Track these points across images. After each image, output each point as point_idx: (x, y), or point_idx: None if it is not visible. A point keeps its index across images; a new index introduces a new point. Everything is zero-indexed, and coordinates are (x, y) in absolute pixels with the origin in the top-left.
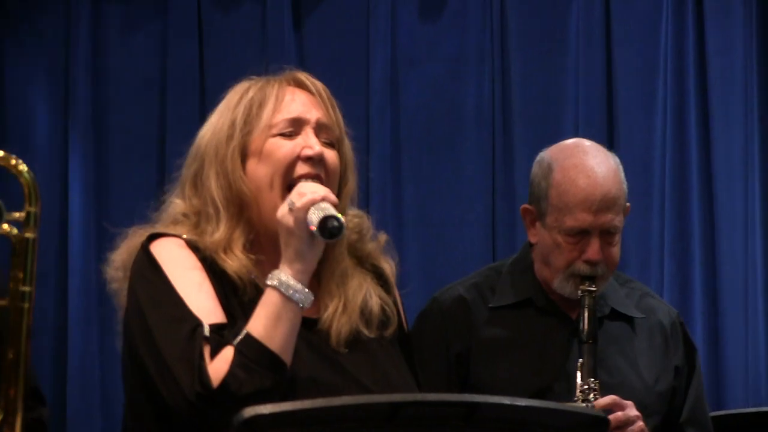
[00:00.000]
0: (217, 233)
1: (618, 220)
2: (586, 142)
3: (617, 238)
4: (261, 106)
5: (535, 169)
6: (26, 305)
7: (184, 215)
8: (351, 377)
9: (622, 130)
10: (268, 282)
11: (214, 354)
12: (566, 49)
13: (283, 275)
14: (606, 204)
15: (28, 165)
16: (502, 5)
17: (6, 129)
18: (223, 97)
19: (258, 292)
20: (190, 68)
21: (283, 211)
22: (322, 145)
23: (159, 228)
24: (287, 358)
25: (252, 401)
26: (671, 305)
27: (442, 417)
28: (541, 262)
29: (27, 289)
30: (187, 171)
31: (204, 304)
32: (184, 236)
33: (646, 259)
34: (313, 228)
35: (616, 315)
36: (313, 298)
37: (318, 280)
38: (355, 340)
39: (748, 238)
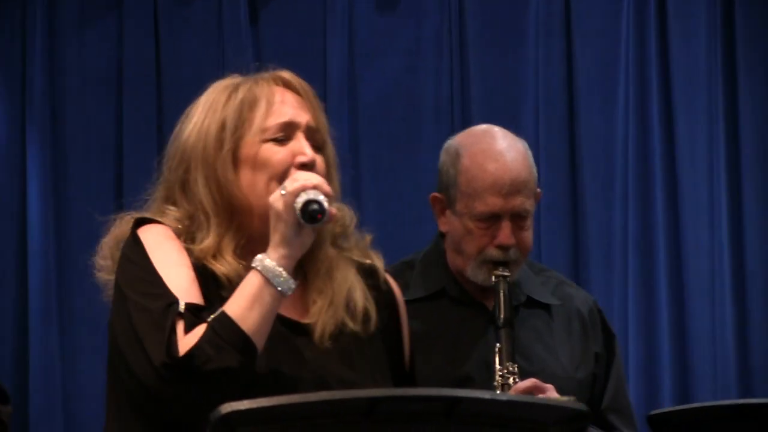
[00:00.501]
0: (207, 240)
1: (529, 204)
2: (495, 128)
3: (529, 222)
4: (252, 108)
5: (443, 156)
6: None
7: (178, 220)
8: (327, 379)
9: (583, 123)
10: (252, 264)
11: (188, 331)
12: (525, 41)
13: (268, 260)
14: (516, 187)
15: None
16: None
17: None
18: (196, 94)
19: None
20: (146, 62)
21: (275, 196)
22: (313, 150)
23: (151, 213)
24: (259, 341)
25: (215, 380)
26: (632, 299)
27: (422, 412)
28: (453, 250)
29: None
30: (173, 174)
31: (183, 285)
32: (175, 225)
33: (609, 252)
34: (297, 212)
35: (532, 303)
36: (295, 285)
37: (304, 277)
38: (339, 333)
39: (714, 229)
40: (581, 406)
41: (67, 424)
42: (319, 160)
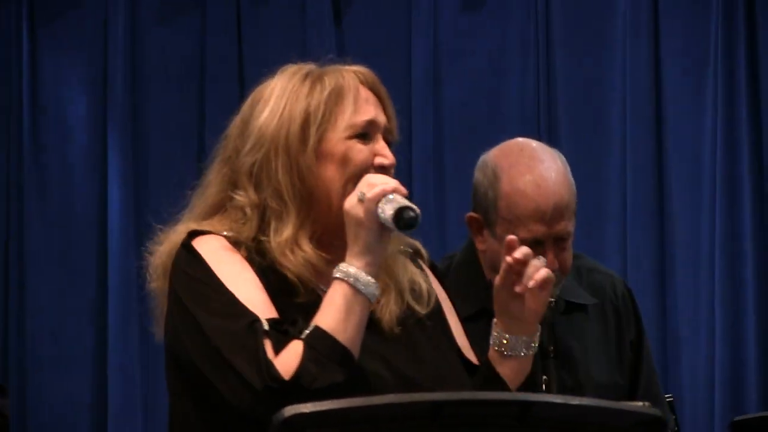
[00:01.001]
0: (285, 230)
1: (571, 225)
2: (532, 143)
3: (570, 243)
4: (338, 102)
5: (479, 175)
6: None
7: (238, 207)
8: (398, 371)
9: (670, 125)
10: (336, 275)
11: (275, 349)
12: (613, 42)
13: (352, 268)
14: (559, 212)
15: (68, 160)
16: None
17: (44, 123)
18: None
19: (315, 296)
20: (228, 61)
21: (351, 202)
22: None
23: (202, 224)
24: (356, 352)
25: (322, 396)
26: (719, 304)
27: (491, 416)
28: (491, 268)
29: None
30: (243, 159)
31: (256, 299)
32: (226, 233)
33: (696, 256)
34: (386, 218)
35: (570, 307)
36: (379, 291)
37: None
38: (406, 317)
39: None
40: (656, 412)
41: (146, 426)
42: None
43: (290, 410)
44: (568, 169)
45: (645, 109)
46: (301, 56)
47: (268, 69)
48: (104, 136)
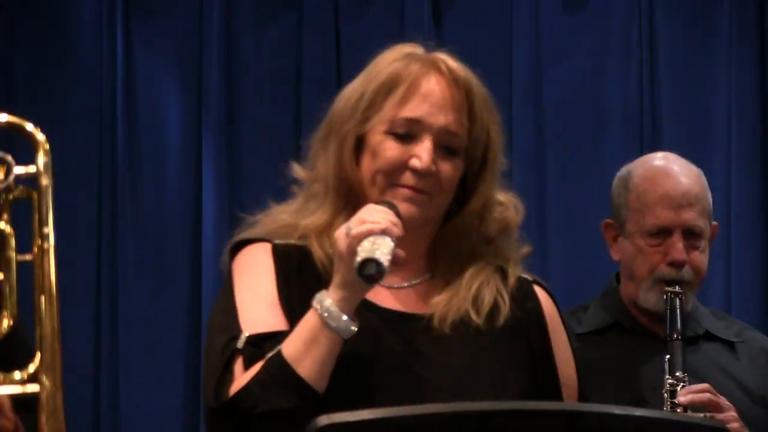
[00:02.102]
0: (320, 215)
1: (702, 222)
2: (671, 154)
3: (703, 245)
4: (388, 93)
5: (615, 182)
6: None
7: (301, 184)
8: (445, 375)
9: None
10: (312, 302)
11: (248, 366)
12: (718, 41)
13: (328, 300)
14: (687, 200)
15: (162, 163)
16: None
17: (139, 126)
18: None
19: None
20: (326, 62)
21: (339, 233)
22: (441, 155)
23: (253, 229)
24: (318, 382)
25: (265, 423)
26: None
27: (541, 428)
28: (627, 278)
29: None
30: (317, 135)
31: (256, 313)
32: (276, 241)
33: None
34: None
35: (712, 337)
36: (354, 328)
37: (435, 273)
38: (461, 323)
39: None
40: (720, 425)
41: None
42: (450, 168)
43: (324, 419)
44: (705, 180)
45: (751, 110)
46: None
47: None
48: (199, 138)
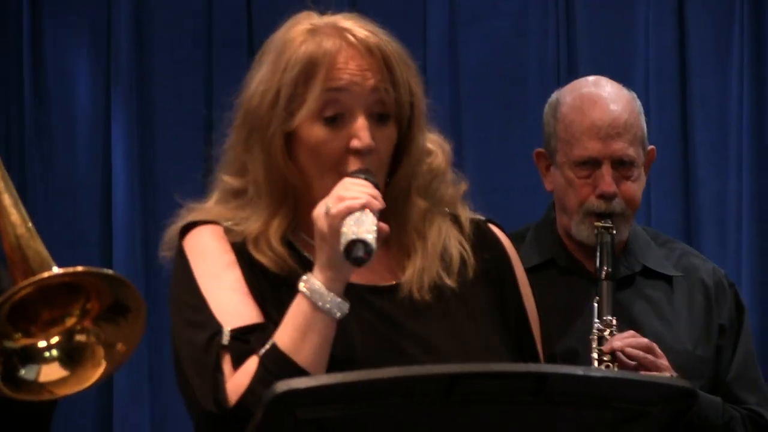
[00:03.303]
0: (256, 221)
1: (633, 151)
2: (603, 78)
3: (636, 173)
4: (308, 80)
5: (546, 110)
6: None
7: (233, 194)
8: (428, 347)
9: (695, 85)
10: (299, 287)
11: (237, 362)
12: (633, 4)
13: (317, 283)
14: (616, 129)
15: (71, 130)
16: None
17: (48, 93)
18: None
19: (301, 259)
20: (237, 25)
21: (318, 212)
22: (374, 126)
23: (198, 213)
24: (318, 370)
25: None
26: (746, 268)
27: (508, 391)
28: (560, 209)
29: None
30: (237, 134)
31: (231, 305)
32: (225, 223)
33: (723, 220)
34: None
35: (650, 273)
36: (347, 306)
37: (389, 239)
38: (437, 290)
39: None
40: (686, 384)
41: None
42: (385, 135)
43: (282, 386)
44: (639, 104)
45: (669, 68)
46: None
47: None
48: (108, 103)
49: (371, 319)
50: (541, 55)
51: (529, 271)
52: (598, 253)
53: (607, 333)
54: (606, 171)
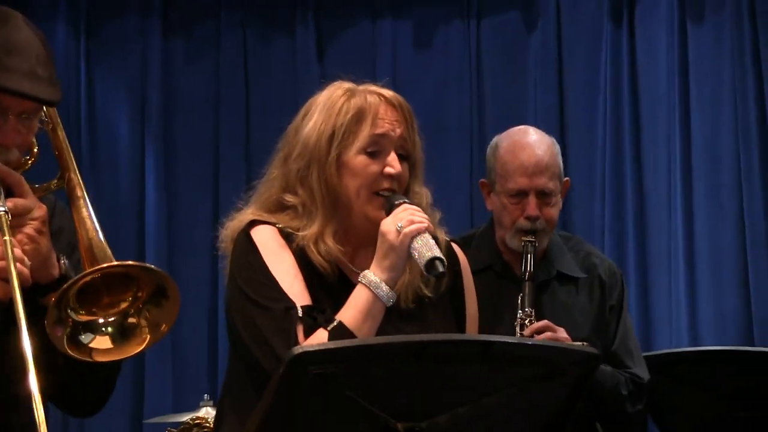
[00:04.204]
0: (313, 227)
1: (552, 184)
2: (530, 128)
3: (554, 200)
4: (359, 121)
5: (488, 150)
6: None
7: (291, 206)
8: None
9: (571, 134)
10: (361, 280)
11: (307, 333)
12: (526, 73)
13: (376, 278)
14: (539, 168)
15: (115, 165)
16: (478, 39)
17: (96, 137)
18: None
19: (341, 276)
20: (238, 89)
21: (388, 228)
22: (399, 161)
23: (260, 213)
24: None
25: None
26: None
27: (462, 354)
28: (498, 225)
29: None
30: (293, 164)
31: (295, 288)
32: (279, 225)
33: (590, 234)
34: (418, 259)
35: (562, 277)
36: (394, 299)
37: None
38: (418, 299)
39: (671, 217)
40: (594, 350)
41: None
42: (405, 168)
43: (298, 349)
44: (557, 148)
45: (552, 122)
46: (293, 86)
47: (268, 94)
48: (143, 145)
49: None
50: (460, 110)
51: (474, 274)
52: (523, 260)
53: (527, 321)
54: (531, 200)
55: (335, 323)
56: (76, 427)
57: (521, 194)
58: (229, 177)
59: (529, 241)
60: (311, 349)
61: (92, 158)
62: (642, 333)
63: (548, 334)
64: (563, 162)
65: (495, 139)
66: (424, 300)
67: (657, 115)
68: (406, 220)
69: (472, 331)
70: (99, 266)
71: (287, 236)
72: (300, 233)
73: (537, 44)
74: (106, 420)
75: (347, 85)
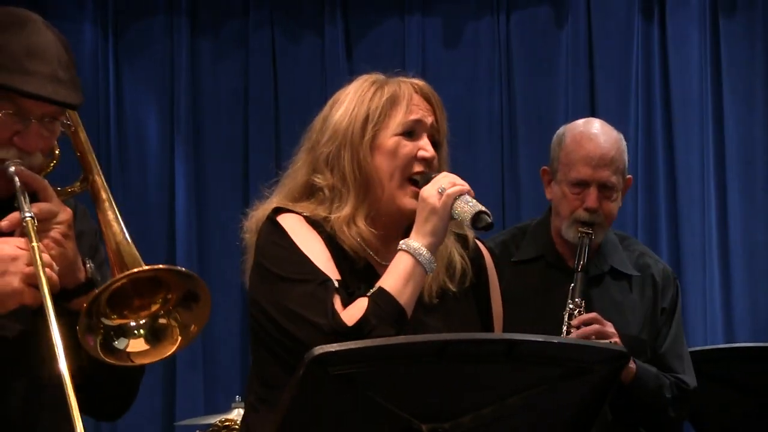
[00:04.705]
0: (345, 208)
1: (615, 179)
2: (599, 120)
3: (615, 196)
4: (393, 106)
5: (554, 139)
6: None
7: (319, 189)
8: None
9: None
10: (402, 247)
11: (343, 304)
12: (557, 69)
13: (417, 244)
14: (604, 161)
15: (144, 164)
16: (508, 34)
17: (125, 138)
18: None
19: (368, 264)
20: (266, 87)
21: (430, 192)
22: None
23: (285, 202)
24: (410, 313)
25: None
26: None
27: (485, 353)
28: (555, 214)
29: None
30: (323, 148)
31: (327, 265)
32: (305, 214)
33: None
34: (463, 217)
35: (616, 274)
36: (435, 266)
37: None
38: (443, 293)
39: (704, 214)
40: (621, 348)
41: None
42: (436, 154)
43: (319, 349)
44: (624, 143)
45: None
46: (321, 84)
47: (296, 92)
48: (172, 145)
49: None
50: (490, 108)
51: (523, 263)
52: (578, 252)
53: (576, 312)
54: (593, 192)
55: (376, 288)
56: (108, 427)
57: (583, 185)
58: (258, 176)
59: (585, 233)
60: (331, 349)
61: (121, 158)
62: None
63: (595, 326)
64: None
65: (562, 128)
66: (448, 294)
67: (689, 111)
68: (449, 182)
69: (498, 328)
70: (129, 272)
71: (314, 224)
72: (332, 215)
73: (567, 40)
74: (139, 422)
75: (376, 76)
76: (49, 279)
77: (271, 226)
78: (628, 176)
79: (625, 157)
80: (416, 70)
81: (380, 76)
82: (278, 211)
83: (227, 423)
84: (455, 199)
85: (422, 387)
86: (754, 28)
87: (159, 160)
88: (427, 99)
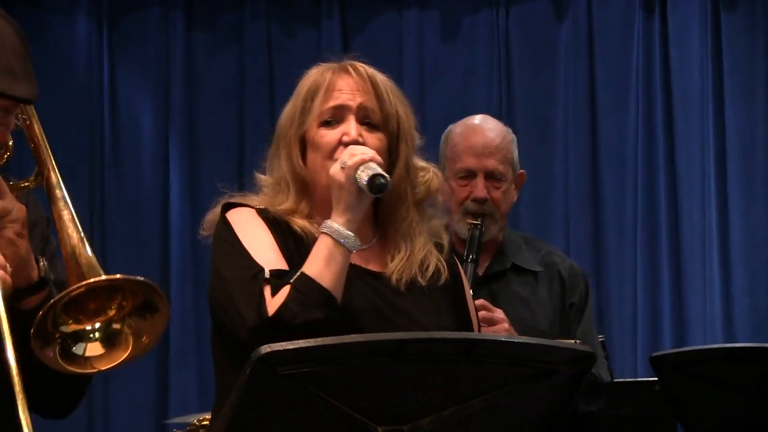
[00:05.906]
0: (286, 204)
1: (502, 168)
2: (486, 116)
3: (504, 186)
4: (313, 97)
5: (441, 140)
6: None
7: (266, 186)
8: (406, 317)
9: (602, 126)
10: (322, 230)
11: (274, 293)
12: (556, 63)
13: (335, 224)
14: (488, 149)
15: (139, 159)
16: (507, 28)
17: (119, 131)
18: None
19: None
20: (262, 82)
21: (335, 169)
22: (365, 128)
23: (236, 198)
24: (338, 294)
25: (303, 332)
26: (640, 263)
27: (444, 353)
28: (446, 212)
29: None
30: (269, 151)
31: (267, 257)
32: (255, 206)
33: (622, 229)
34: (363, 184)
35: (518, 270)
36: (359, 244)
37: (384, 235)
38: (412, 284)
39: (704, 210)
40: (587, 349)
41: (200, 380)
42: (374, 138)
43: (266, 348)
44: (513, 138)
45: (582, 114)
46: None
47: (293, 86)
48: (166, 140)
49: (366, 292)
50: (488, 103)
51: None
52: (467, 243)
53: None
54: (480, 181)
55: (297, 274)
56: (101, 425)
57: (470, 175)
58: (253, 170)
59: (474, 223)
60: (279, 348)
61: (115, 152)
62: (676, 330)
63: (483, 313)
64: (595, 154)
65: (449, 127)
66: (417, 285)
67: (690, 105)
68: (348, 155)
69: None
70: (86, 282)
71: (262, 212)
72: (278, 208)
73: (567, 33)
74: (131, 419)
75: (317, 67)
76: (2, 280)
77: (220, 222)
78: (521, 171)
79: (514, 149)
80: (414, 65)
81: (320, 66)
82: (228, 206)
83: (204, 422)
84: (356, 169)
85: (378, 388)
86: (756, 22)
87: (153, 154)
88: (356, 79)
